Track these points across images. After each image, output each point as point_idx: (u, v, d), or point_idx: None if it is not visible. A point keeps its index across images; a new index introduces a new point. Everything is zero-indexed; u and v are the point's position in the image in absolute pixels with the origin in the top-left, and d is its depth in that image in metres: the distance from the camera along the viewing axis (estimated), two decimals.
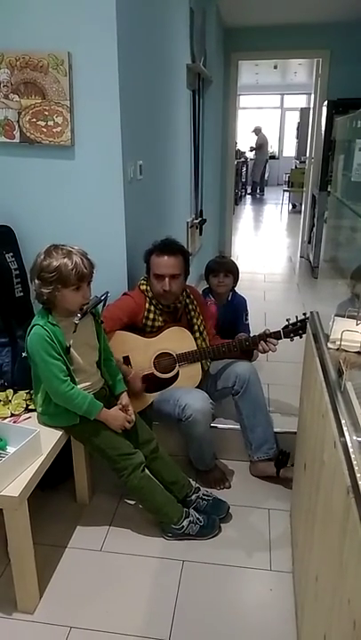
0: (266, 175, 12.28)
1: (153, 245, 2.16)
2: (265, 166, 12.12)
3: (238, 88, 5.62)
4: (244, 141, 11.56)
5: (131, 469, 1.83)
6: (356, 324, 1.59)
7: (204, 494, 2.06)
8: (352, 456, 0.99)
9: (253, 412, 2.22)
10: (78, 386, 1.80)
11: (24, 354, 1.84)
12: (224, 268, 2.69)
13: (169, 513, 1.91)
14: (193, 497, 2.02)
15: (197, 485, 2.08)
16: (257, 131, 11.70)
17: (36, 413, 1.89)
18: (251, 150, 11.80)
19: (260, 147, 11.76)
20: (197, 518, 1.93)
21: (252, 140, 11.77)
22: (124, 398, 1.95)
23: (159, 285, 2.10)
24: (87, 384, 1.86)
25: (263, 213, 10.13)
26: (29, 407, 1.93)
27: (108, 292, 1.87)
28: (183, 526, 1.90)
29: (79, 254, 1.71)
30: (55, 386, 1.73)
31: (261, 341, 2.18)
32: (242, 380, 2.20)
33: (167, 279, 2.08)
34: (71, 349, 1.77)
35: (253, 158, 11.94)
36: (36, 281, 1.69)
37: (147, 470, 1.88)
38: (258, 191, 12.03)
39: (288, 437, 2.20)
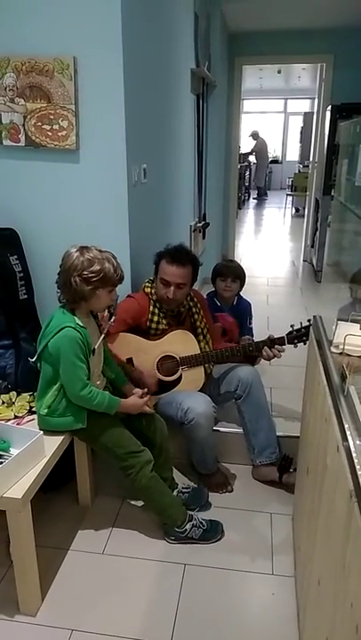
0: (266, 179, 12.26)
1: (165, 249, 2.15)
2: (267, 170, 12.11)
3: (242, 92, 5.63)
4: (247, 146, 11.57)
5: (138, 467, 1.83)
6: (360, 329, 1.59)
7: (183, 487, 2.11)
8: (355, 460, 0.99)
9: (256, 417, 2.22)
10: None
11: (31, 359, 1.83)
12: (233, 273, 2.69)
13: (173, 515, 1.91)
14: (174, 493, 2.05)
15: (176, 482, 2.12)
16: (255, 135, 11.66)
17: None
18: (249, 155, 11.73)
19: (260, 151, 11.75)
20: (200, 522, 1.93)
21: (250, 145, 11.73)
22: (136, 389, 1.98)
23: (164, 291, 2.10)
24: (97, 383, 1.88)
25: (266, 217, 10.13)
26: (33, 409, 1.93)
27: (117, 296, 1.89)
28: (186, 530, 1.90)
29: (113, 257, 1.77)
30: (79, 389, 1.74)
31: (266, 347, 2.17)
32: (245, 384, 2.20)
33: (173, 287, 2.09)
34: (96, 351, 1.81)
35: (255, 163, 11.95)
36: (78, 279, 1.69)
37: (154, 471, 1.87)
38: (261, 195, 12.04)
39: (291, 441, 2.20)
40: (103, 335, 1.87)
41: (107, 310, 1.87)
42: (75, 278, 1.70)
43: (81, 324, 1.75)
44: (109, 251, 1.78)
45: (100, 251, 1.75)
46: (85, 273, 1.69)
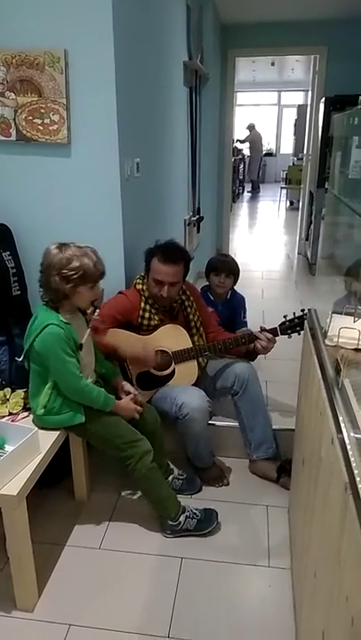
0: (259, 173, 12.21)
1: (156, 246, 2.13)
2: (260, 163, 12.08)
3: (235, 85, 5.60)
4: (239, 135, 11.51)
5: (138, 457, 1.82)
6: (354, 322, 1.59)
7: (179, 474, 2.15)
8: (350, 453, 0.99)
9: (253, 412, 2.22)
10: None
11: (19, 359, 1.82)
12: (227, 268, 2.68)
13: (169, 507, 1.92)
14: (169, 479, 2.10)
15: (172, 467, 2.15)
16: (250, 127, 11.63)
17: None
18: (240, 142, 11.65)
19: (253, 143, 11.71)
20: (194, 513, 1.94)
21: (243, 135, 11.68)
22: (125, 384, 1.99)
23: (157, 289, 2.10)
24: (89, 381, 1.87)
25: (261, 210, 10.12)
26: (27, 406, 1.92)
27: (102, 290, 1.87)
28: (180, 522, 1.91)
29: (92, 252, 1.73)
30: (74, 383, 1.74)
31: (258, 340, 2.17)
32: (241, 380, 2.20)
33: (167, 286, 2.08)
34: (83, 346, 1.79)
35: (249, 156, 11.91)
36: (57, 278, 1.68)
37: (153, 462, 1.87)
38: (255, 189, 12.01)
39: (286, 434, 2.20)
40: (89, 330, 1.85)
41: (91, 305, 1.85)
42: (54, 277, 1.68)
43: (65, 321, 1.73)
44: (90, 246, 1.75)
45: (79, 247, 1.72)
46: (65, 271, 1.66)
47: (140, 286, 2.16)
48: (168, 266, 2.07)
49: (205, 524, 1.94)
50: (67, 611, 1.65)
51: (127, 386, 1.99)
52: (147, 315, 2.14)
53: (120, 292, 2.19)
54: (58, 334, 1.70)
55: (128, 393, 1.97)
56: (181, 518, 1.91)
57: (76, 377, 1.74)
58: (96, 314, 1.88)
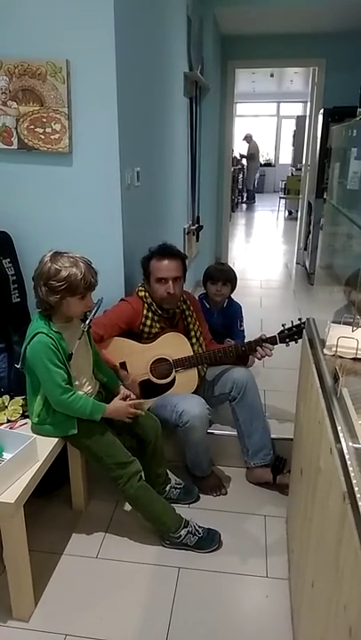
0: (256, 182, 12.23)
1: (150, 251, 2.17)
2: (257, 173, 12.11)
3: (235, 96, 5.65)
4: (240, 149, 11.59)
5: (126, 478, 1.82)
6: (352, 331, 1.60)
7: (176, 483, 2.14)
8: (348, 462, 0.99)
9: (250, 419, 2.22)
10: (80, 391, 1.81)
11: (17, 365, 1.81)
12: (224, 276, 2.69)
13: (167, 522, 1.90)
14: (167, 488, 2.09)
15: (169, 477, 2.14)
16: (248, 138, 11.64)
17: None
18: (241, 158, 11.72)
19: (252, 155, 11.75)
20: (196, 530, 1.92)
21: (244, 148, 11.72)
22: (123, 389, 1.98)
23: (162, 289, 2.11)
24: (88, 389, 1.87)
25: (259, 220, 10.16)
26: (25, 413, 1.92)
27: (101, 298, 1.87)
28: (181, 535, 1.89)
29: (85, 263, 1.71)
30: (57, 395, 1.72)
31: (258, 347, 2.18)
32: (239, 386, 2.20)
33: (170, 282, 2.10)
34: (73, 356, 1.77)
35: (246, 166, 11.94)
36: (44, 288, 1.67)
37: (143, 480, 1.87)
38: (250, 199, 12.02)
39: (285, 443, 2.20)
40: (83, 337, 1.83)
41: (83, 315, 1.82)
42: (41, 287, 1.67)
43: (55, 330, 1.72)
44: (85, 257, 1.73)
45: (72, 257, 1.70)
46: (51, 282, 1.65)
47: (142, 293, 2.17)
48: (167, 260, 2.11)
49: (206, 543, 1.91)
50: (63, 620, 1.64)
51: (125, 391, 1.98)
52: (148, 322, 2.15)
53: (123, 300, 2.20)
54: (45, 343, 1.69)
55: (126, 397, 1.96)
56: (182, 532, 1.89)
57: (59, 388, 1.71)
58: (83, 325, 1.82)
